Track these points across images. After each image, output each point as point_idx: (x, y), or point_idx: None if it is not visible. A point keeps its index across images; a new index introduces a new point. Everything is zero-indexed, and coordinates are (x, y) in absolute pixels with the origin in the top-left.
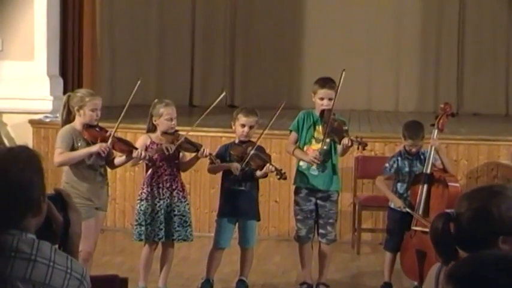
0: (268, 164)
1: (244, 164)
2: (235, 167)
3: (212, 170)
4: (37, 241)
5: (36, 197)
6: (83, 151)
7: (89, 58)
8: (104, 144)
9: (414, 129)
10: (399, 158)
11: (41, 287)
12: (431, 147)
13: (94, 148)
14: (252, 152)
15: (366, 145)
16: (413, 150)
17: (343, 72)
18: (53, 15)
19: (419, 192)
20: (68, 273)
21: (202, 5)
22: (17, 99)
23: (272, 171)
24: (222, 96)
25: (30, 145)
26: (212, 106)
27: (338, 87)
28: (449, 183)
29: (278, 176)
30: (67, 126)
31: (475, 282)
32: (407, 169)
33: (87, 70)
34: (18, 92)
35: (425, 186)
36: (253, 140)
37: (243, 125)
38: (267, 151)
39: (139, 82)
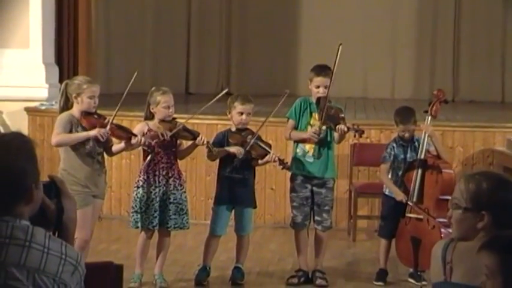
0: (271, 154)
1: (244, 152)
2: (238, 150)
3: (213, 157)
4: (31, 227)
5: (28, 184)
6: (81, 134)
7: (85, 46)
8: (102, 130)
9: (404, 114)
10: (394, 145)
11: (36, 273)
12: (424, 133)
13: (92, 132)
14: (253, 140)
15: (363, 132)
16: (406, 135)
17: (340, 47)
18: (48, 3)
19: (413, 178)
20: (63, 259)
21: None
22: (13, 87)
23: (275, 161)
24: (224, 91)
25: (26, 133)
26: (212, 101)
27: (335, 63)
28: (443, 170)
29: (281, 166)
30: (65, 113)
31: None
32: (402, 156)
33: (83, 58)
34: (14, 80)
35: (419, 173)
36: (249, 127)
37: (241, 113)
38: (263, 138)
39: (135, 74)
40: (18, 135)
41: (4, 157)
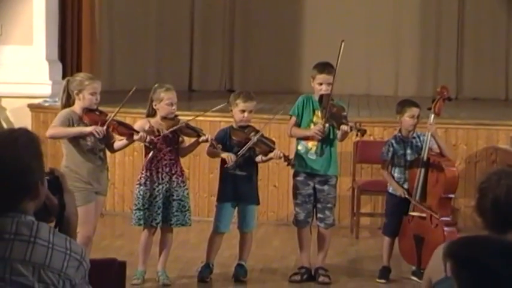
0: (276, 150)
1: (246, 149)
2: (231, 158)
3: (210, 154)
4: (36, 223)
5: (34, 181)
6: (76, 128)
7: (88, 42)
8: (99, 127)
9: (410, 100)
10: (393, 142)
11: (41, 269)
12: (428, 131)
13: (88, 129)
14: (257, 137)
15: (365, 131)
16: (411, 123)
17: (342, 44)
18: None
19: (416, 177)
20: (68, 254)
21: None
22: (16, 83)
23: (280, 157)
24: (222, 105)
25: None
26: (212, 110)
27: (338, 59)
28: (446, 168)
29: (286, 163)
30: (66, 109)
31: (475, 267)
32: (402, 151)
33: (86, 54)
34: (17, 77)
35: (423, 171)
36: (251, 124)
37: (243, 111)
38: (266, 135)
39: (134, 89)
40: (25, 132)
41: (11, 154)
